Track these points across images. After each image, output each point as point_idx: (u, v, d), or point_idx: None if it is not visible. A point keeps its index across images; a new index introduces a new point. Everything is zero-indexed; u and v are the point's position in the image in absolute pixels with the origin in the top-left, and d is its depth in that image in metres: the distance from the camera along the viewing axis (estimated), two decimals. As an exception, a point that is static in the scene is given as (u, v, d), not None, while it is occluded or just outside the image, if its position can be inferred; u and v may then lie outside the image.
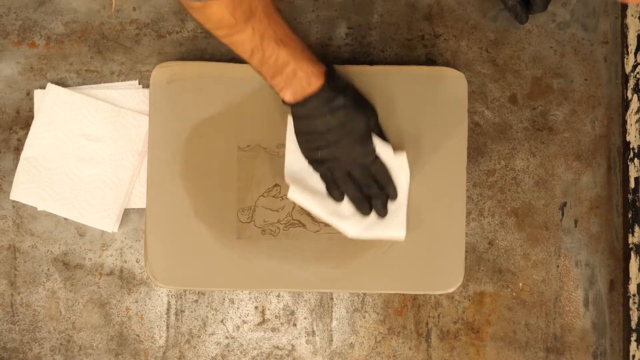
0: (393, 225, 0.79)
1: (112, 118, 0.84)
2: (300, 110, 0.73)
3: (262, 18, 0.68)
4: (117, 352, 0.85)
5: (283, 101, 0.73)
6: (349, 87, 0.76)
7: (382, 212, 0.78)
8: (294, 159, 0.79)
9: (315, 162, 0.77)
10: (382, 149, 0.77)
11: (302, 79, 0.71)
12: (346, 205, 0.78)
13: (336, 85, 0.73)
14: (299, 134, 0.76)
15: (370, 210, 0.78)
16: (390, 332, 0.85)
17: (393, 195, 0.78)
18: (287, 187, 0.79)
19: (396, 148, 0.80)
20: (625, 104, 0.86)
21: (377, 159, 0.77)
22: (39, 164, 0.84)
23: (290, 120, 0.78)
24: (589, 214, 0.86)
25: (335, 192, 0.78)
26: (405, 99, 0.82)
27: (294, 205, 0.81)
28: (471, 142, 0.86)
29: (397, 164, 0.78)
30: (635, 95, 0.84)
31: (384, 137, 0.79)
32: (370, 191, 0.77)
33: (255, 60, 0.70)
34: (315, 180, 0.78)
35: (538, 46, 0.87)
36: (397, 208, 0.79)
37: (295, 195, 0.77)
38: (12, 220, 0.85)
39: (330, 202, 0.78)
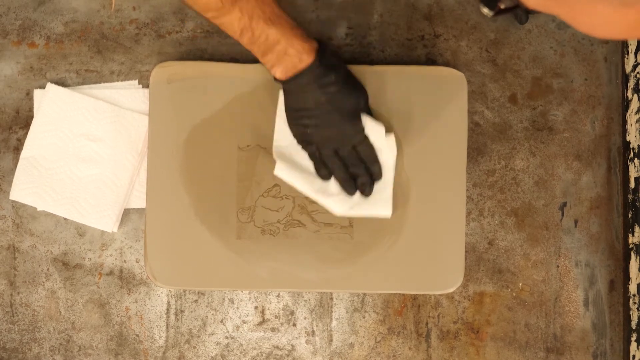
0: (378, 204, 0.79)
1: (112, 118, 0.84)
2: (291, 86, 0.73)
3: None
4: (117, 352, 0.85)
5: (274, 78, 0.74)
6: (341, 65, 0.76)
7: (367, 192, 0.79)
8: (283, 135, 0.79)
9: (303, 141, 0.77)
10: (371, 129, 0.77)
11: (293, 56, 0.71)
12: (333, 183, 0.79)
13: (328, 62, 0.73)
14: (288, 110, 0.76)
15: (356, 190, 0.78)
16: (390, 332, 0.85)
17: (378, 175, 0.79)
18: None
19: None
20: (625, 104, 0.86)
21: (365, 139, 0.77)
22: (39, 164, 0.84)
23: (281, 97, 0.78)
24: (589, 214, 0.86)
25: (322, 170, 0.78)
26: (405, 99, 0.82)
27: (294, 205, 0.81)
28: (471, 142, 0.86)
29: (385, 144, 0.78)
30: (636, 95, 0.84)
31: (373, 117, 0.79)
32: (357, 171, 0.78)
33: (245, 39, 0.71)
34: (302, 157, 0.79)
35: (538, 46, 0.87)
36: (383, 187, 0.79)
37: (281, 172, 0.78)
38: (11, 220, 0.85)
39: (317, 180, 0.79)
